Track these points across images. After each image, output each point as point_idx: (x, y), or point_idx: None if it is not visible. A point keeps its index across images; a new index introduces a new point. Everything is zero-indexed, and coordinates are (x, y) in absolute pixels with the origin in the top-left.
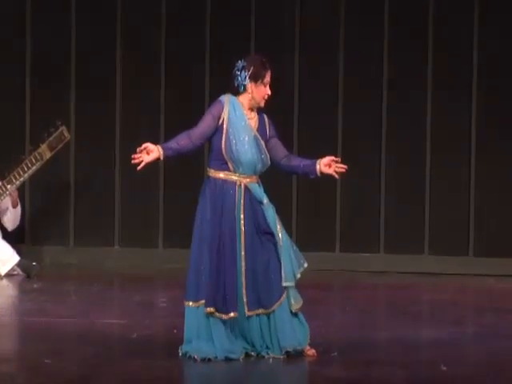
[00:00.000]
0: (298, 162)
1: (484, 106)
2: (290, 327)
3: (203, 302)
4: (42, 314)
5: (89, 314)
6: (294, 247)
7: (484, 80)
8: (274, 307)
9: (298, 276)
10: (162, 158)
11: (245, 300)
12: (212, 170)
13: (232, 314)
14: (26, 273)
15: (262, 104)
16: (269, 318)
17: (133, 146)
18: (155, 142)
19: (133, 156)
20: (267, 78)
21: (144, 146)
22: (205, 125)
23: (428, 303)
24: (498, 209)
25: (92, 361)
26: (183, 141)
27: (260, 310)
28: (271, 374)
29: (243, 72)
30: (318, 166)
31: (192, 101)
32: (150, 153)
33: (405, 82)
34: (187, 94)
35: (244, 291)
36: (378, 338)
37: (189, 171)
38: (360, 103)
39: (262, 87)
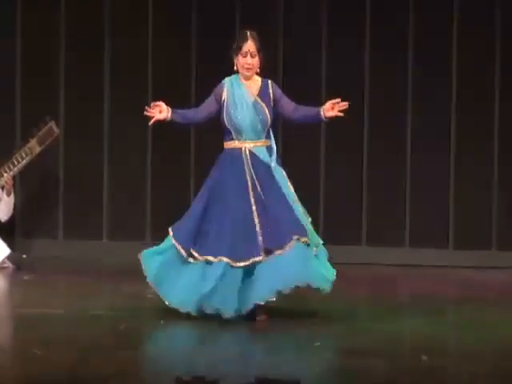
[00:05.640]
0: (305, 113)
1: (463, 105)
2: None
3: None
4: (32, 306)
5: (78, 306)
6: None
7: (464, 81)
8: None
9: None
10: (168, 118)
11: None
12: (224, 144)
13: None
14: (16, 265)
15: (247, 73)
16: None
17: (121, 140)
18: (143, 139)
19: (146, 108)
20: (244, 49)
21: (158, 103)
22: (208, 101)
23: (409, 294)
24: (476, 201)
25: (81, 352)
26: (190, 110)
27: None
28: (256, 362)
29: (232, 50)
30: (322, 113)
31: (179, 92)
32: (161, 111)
33: (386, 80)
34: (175, 87)
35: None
36: (360, 329)
37: (177, 165)
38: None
39: (241, 58)
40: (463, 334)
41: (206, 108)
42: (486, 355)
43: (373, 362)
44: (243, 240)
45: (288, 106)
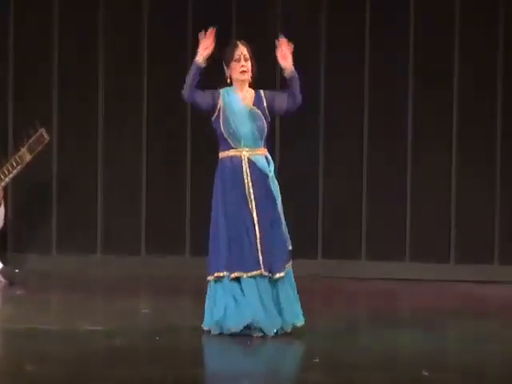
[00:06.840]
0: (289, 91)
1: (465, 107)
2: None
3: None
4: (24, 321)
5: (72, 321)
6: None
7: (466, 80)
8: (277, 276)
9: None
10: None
11: (261, 260)
12: (220, 153)
13: (252, 273)
14: (8, 280)
15: (243, 76)
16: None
17: (115, 151)
18: (138, 152)
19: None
20: (237, 53)
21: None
22: (206, 93)
23: (410, 309)
24: (478, 215)
25: (75, 368)
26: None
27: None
28: (254, 379)
29: (224, 65)
30: (285, 75)
31: (176, 99)
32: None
33: (385, 82)
34: (171, 88)
35: (260, 254)
36: (361, 344)
37: (172, 181)
38: (342, 103)
39: (235, 64)
40: (464, 349)
41: (204, 96)
42: (487, 369)
43: (373, 377)
44: (245, 253)
45: (281, 101)
